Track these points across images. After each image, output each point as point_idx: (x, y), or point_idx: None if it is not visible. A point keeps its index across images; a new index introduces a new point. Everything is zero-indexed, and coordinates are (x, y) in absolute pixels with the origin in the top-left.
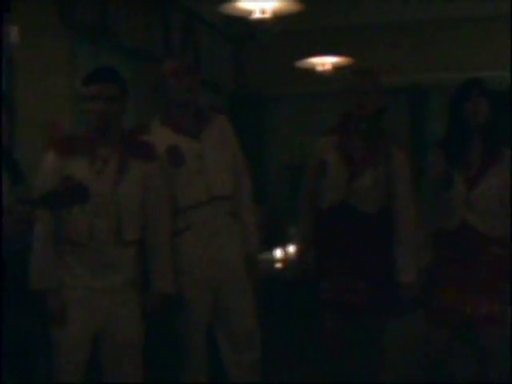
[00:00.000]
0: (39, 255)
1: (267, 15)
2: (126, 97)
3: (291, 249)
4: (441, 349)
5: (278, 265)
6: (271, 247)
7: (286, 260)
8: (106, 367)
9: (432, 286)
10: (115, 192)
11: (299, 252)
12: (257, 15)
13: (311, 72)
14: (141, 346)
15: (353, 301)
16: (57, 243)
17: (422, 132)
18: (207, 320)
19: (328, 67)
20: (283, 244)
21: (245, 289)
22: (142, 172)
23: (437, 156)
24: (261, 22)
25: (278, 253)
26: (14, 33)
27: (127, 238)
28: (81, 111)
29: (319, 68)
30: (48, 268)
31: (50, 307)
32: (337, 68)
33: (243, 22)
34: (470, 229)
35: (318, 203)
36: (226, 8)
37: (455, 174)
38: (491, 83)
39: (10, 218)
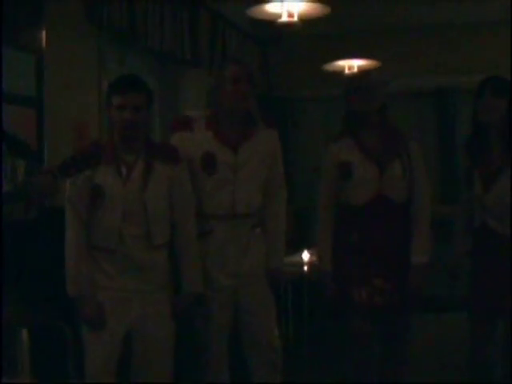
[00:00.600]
0: (73, 262)
1: (294, 18)
2: (151, 105)
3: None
4: (484, 343)
5: (305, 267)
6: (298, 250)
7: (312, 262)
8: (137, 367)
9: (471, 282)
10: (142, 197)
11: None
12: (284, 18)
13: (338, 75)
14: (171, 347)
15: (381, 302)
16: (89, 249)
17: (451, 135)
18: (229, 321)
19: (355, 70)
20: (310, 246)
21: (266, 295)
22: (167, 175)
23: (462, 155)
24: (288, 26)
25: (305, 255)
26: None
27: (156, 242)
28: (109, 118)
29: (346, 71)
30: (82, 275)
31: (85, 313)
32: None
33: (270, 25)
34: (490, 230)
35: (347, 202)
36: (254, 11)
37: (475, 175)
38: None
39: (32, 190)
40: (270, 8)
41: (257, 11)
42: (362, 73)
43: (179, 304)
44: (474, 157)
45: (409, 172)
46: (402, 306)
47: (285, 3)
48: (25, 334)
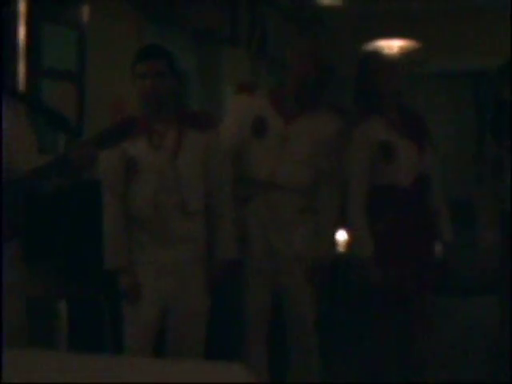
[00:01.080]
0: (111, 235)
1: None
2: (175, 72)
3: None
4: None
5: (341, 248)
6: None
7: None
8: (172, 339)
9: (503, 269)
10: (174, 165)
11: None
12: None
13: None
14: (205, 321)
15: (403, 285)
16: (127, 222)
17: (486, 114)
18: (268, 298)
19: (395, 50)
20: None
21: (303, 283)
22: (201, 142)
23: (489, 140)
24: (329, 6)
25: (341, 235)
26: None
27: (191, 208)
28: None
29: (386, 51)
30: (120, 248)
31: (124, 286)
32: (404, 51)
33: (311, 5)
34: None
35: (389, 184)
36: None
37: (505, 159)
38: None
39: (71, 163)
40: None
41: None
42: (384, 54)
43: (213, 272)
44: (501, 139)
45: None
46: (424, 289)
47: None
48: (63, 305)
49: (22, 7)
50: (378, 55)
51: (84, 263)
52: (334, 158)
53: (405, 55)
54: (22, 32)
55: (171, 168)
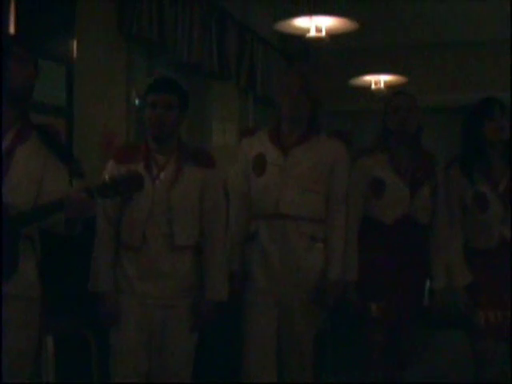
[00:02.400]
0: (98, 258)
1: (322, 33)
2: (184, 108)
3: None
4: (492, 363)
5: None
6: None
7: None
8: (155, 377)
9: (474, 303)
10: (168, 197)
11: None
12: (312, 33)
13: (365, 90)
14: (191, 359)
15: (400, 316)
16: (116, 247)
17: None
18: (273, 327)
19: (382, 85)
20: None
21: (310, 313)
22: (199, 178)
23: (458, 176)
24: (316, 40)
25: None
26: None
27: (179, 242)
28: (142, 119)
29: (373, 86)
30: (105, 271)
31: (104, 309)
32: (390, 86)
33: (298, 40)
34: (508, 245)
35: (375, 219)
36: (282, 25)
37: (487, 194)
38: None
39: (71, 206)
40: (298, 22)
41: (285, 25)
42: (405, 94)
43: (201, 313)
44: (478, 176)
45: (434, 195)
46: (411, 322)
47: (313, 18)
48: (50, 341)
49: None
50: (397, 96)
51: (70, 298)
52: (340, 183)
53: (392, 90)
54: None
55: (165, 199)
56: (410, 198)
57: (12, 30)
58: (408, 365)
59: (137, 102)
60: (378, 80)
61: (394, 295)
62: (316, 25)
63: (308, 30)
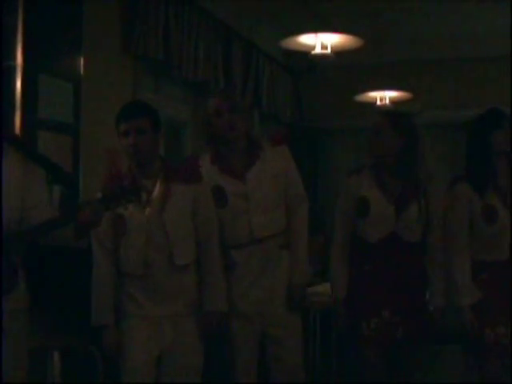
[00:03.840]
0: (98, 292)
1: (328, 50)
2: (158, 129)
3: None
4: (495, 379)
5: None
6: (326, 280)
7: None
8: None
9: (483, 320)
10: (162, 221)
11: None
12: (318, 50)
13: (370, 106)
14: (200, 367)
15: (389, 334)
16: (116, 277)
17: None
18: (256, 352)
19: (387, 101)
20: None
21: (294, 323)
22: (188, 195)
23: (466, 190)
24: (321, 57)
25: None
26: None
27: (180, 262)
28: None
29: (378, 102)
30: (104, 305)
31: (106, 342)
32: (395, 102)
33: (304, 57)
34: None
35: (361, 237)
36: (288, 43)
37: (496, 206)
38: None
39: (81, 218)
40: (304, 39)
41: (291, 42)
42: (386, 116)
43: (204, 325)
44: (482, 189)
45: (425, 215)
46: (407, 341)
47: (319, 35)
48: (56, 356)
49: (18, 59)
50: (382, 117)
51: (77, 314)
52: (295, 185)
53: (396, 106)
54: (18, 83)
55: (158, 224)
56: (396, 216)
57: (20, 48)
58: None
59: None
60: (384, 96)
61: (385, 313)
62: (321, 42)
63: (313, 47)
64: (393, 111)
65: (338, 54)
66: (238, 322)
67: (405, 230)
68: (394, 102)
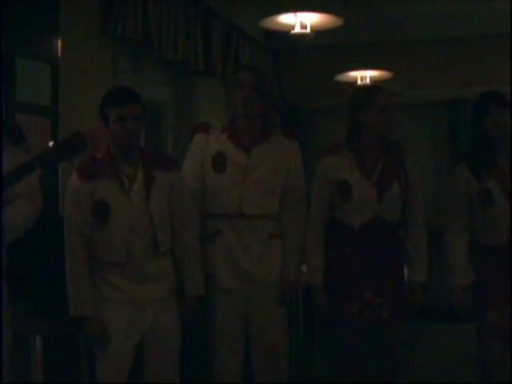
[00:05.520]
0: (74, 282)
1: (307, 30)
2: (145, 116)
3: None
4: (495, 361)
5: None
6: None
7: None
8: (149, 373)
9: (482, 302)
10: (147, 207)
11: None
12: (297, 30)
13: (350, 85)
14: (178, 350)
15: (371, 316)
16: (93, 265)
17: (462, 146)
18: (240, 327)
19: (368, 81)
20: None
21: (276, 307)
22: (167, 182)
23: (464, 172)
24: (301, 37)
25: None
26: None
27: (163, 248)
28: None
29: (359, 82)
30: (85, 295)
31: (90, 333)
32: (376, 81)
33: (284, 36)
34: None
35: (343, 222)
36: (267, 22)
37: (492, 190)
38: None
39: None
40: (284, 19)
41: (270, 22)
42: (386, 93)
43: (185, 308)
44: (483, 172)
45: (405, 193)
46: (391, 321)
47: (298, 14)
48: (38, 341)
49: None
50: (377, 94)
51: (58, 298)
52: (297, 181)
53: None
54: None
55: (143, 210)
56: (378, 199)
57: None
58: (401, 373)
59: None
60: (364, 76)
61: (368, 293)
62: (301, 21)
63: (293, 27)
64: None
65: (318, 33)
66: (220, 297)
67: (388, 212)
68: (374, 81)
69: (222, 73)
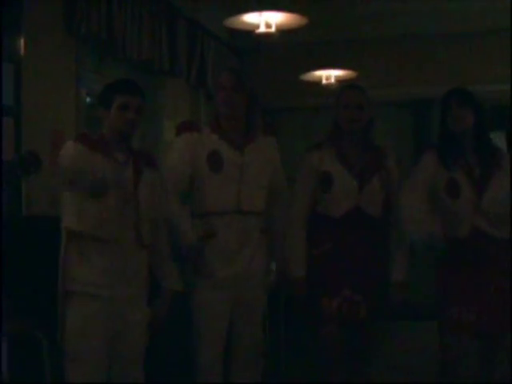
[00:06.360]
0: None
1: (272, 29)
2: (143, 113)
3: None
4: (458, 357)
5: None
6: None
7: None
8: (116, 371)
9: (444, 296)
10: (135, 198)
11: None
12: (262, 29)
13: (315, 85)
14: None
15: (350, 313)
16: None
17: (426, 143)
18: (226, 325)
19: (332, 80)
20: None
21: (261, 300)
22: (152, 178)
23: (434, 158)
24: (266, 36)
25: None
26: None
27: (145, 241)
28: (93, 118)
29: (324, 81)
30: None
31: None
32: (341, 81)
33: (248, 36)
34: (482, 235)
35: (324, 213)
36: (232, 21)
37: (460, 181)
38: (493, 96)
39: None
40: (248, 18)
41: (235, 21)
42: (355, 88)
43: (158, 303)
44: (451, 164)
45: (386, 187)
46: (368, 317)
47: (263, 14)
48: (3, 343)
49: None
50: (346, 91)
51: (23, 299)
52: (281, 177)
53: (342, 85)
54: None
55: (133, 194)
56: (360, 189)
57: None
58: (372, 361)
59: (88, 100)
60: (329, 75)
61: (347, 290)
62: (266, 20)
63: (258, 26)
64: (359, 85)
65: (283, 32)
66: (212, 292)
67: (368, 204)
68: (339, 80)
69: (187, 72)
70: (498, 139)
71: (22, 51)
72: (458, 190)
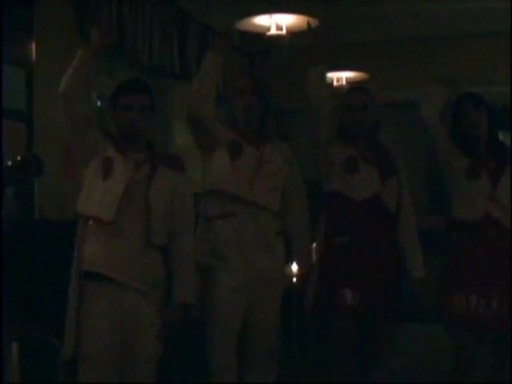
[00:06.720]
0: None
1: (283, 31)
2: (154, 109)
3: None
4: (469, 355)
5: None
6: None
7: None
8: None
9: (447, 287)
10: (147, 195)
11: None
12: (272, 31)
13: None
14: (155, 365)
15: (366, 308)
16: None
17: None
18: (239, 316)
19: (344, 82)
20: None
21: (275, 306)
22: (170, 180)
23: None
24: (276, 38)
25: (294, 267)
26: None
27: (155, 240)
28: (105, 121)
29: (334, 83)
30: None
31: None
32: (351, 83)
33: (259, 38)
34: (494, 222)
35: (346, 196)
36: (242, 24)
37: (478, 168)
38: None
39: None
40: (259, 21)
41: (245, 24)
42: (360, 90)
43: (169, 316)
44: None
45: (399, 188)
46: (386, 314)
47: (273, 16)
48: (15, 348)
49: None
50: (351, 93)
51: (36, 304)
52: (298, 183)
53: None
54: None
55: (142, 195)
56: (382, 180)
57: None
58: (384, 364)
59: (98, 103)
60: (340, 77)
61: (364, 285)
62: (276, 23)
63: (268, 28)
64: (365, 86)
65: (294, 34)
66: (226, 275)
67: (387, 196)
68: (350, 82)
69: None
70: (504, 139)
71: (34, 56)
72: (478, 173)
